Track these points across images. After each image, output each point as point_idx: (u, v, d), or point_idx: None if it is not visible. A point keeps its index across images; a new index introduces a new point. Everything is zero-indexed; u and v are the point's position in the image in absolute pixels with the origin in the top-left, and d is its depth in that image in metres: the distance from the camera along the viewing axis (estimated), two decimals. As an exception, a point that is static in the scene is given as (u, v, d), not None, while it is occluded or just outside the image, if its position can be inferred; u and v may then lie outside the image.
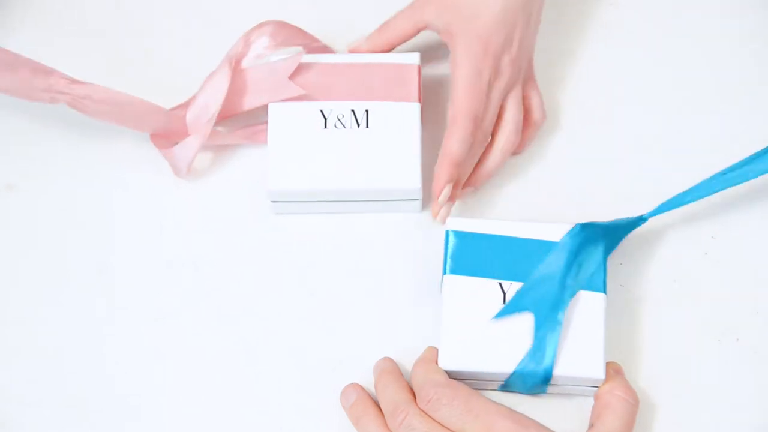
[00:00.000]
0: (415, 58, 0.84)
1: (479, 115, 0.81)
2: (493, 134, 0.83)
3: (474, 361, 0.76)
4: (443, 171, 0.80)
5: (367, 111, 0.82)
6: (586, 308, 0.76)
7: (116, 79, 0.86)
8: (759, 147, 0.84)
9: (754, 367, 0.79)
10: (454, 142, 0.80)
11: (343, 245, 0.83)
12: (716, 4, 0.90)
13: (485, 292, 0.76)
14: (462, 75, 0.80)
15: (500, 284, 0.77)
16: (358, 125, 0.82)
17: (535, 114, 0.85)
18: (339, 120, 0.82)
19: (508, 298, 0.76)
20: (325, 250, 0.83)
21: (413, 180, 0.81)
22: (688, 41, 0.89)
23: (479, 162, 0.83)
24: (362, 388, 0.78)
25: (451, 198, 0.81)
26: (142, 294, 0.82)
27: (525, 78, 0.84)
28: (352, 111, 0.82)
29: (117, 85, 0.83)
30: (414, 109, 0.82)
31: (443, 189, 0.80)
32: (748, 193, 0.84)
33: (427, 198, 0.83)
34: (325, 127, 0.82)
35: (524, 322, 0.76)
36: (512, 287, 0.77)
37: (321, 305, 0.82)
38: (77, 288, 0.83)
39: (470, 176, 0.83)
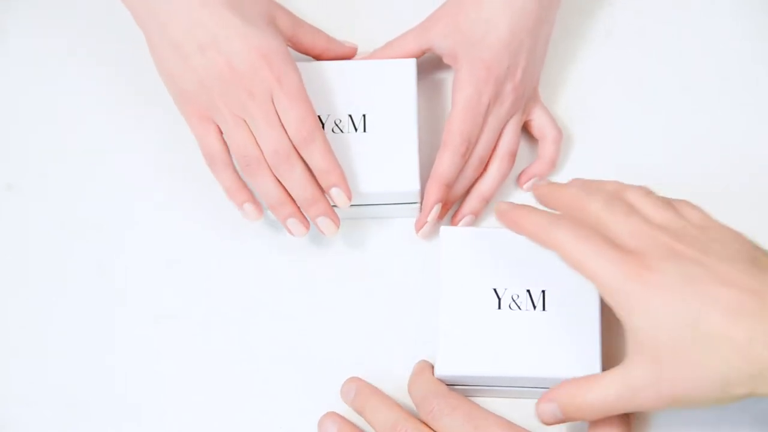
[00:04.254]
0: (411, 62, 0.84)
1: (472, 138, 0.81)
2: (488, 159, 0.83)
3: (471, 365, 0.76)
4: (433, 191, 0.81)
5: (364, 116, 0.82)
6: (583, 308, 0.76)
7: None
8: (759, 147, 0.84)
9: (753, 368, 0.79)
10: (444, 163, 0.80)
11: (342, 247, 0.84)
12: (716, 4, 0.90)
13: (481, 298, 0.77)
14: (462, 97, 0.80)
15: (495, 290, 0.77)
16: (356, 130, 0.82)
17: (551, 132, 0.84)
18: (337, 125, 0.82)
19: (503, 304, 0.76)
20: (325, 251, 0.83)
21: (412, 182, 0.81)
22: (688, 41, 0.89)
23: (474, 187, 0.83)
24: (360, 380, 0.78)
25: (438, 217, 0.82)
26: (142, 294, 0.83)
27: (531, 103, 0.84)
28: (350, 116, 0.82)
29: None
30: (411, 107, 0.82)
31: (432, 209, 0.81)
32: (747, 193, 0.84)
33: (426, 200, 0.83)
34: None
35: (520, 326, 0.76)
36: (507, 293, 0.77)
37: (321, 306, 0.82)
38: (77, 288, 0.83)
39: (467, 202, 0.83)
